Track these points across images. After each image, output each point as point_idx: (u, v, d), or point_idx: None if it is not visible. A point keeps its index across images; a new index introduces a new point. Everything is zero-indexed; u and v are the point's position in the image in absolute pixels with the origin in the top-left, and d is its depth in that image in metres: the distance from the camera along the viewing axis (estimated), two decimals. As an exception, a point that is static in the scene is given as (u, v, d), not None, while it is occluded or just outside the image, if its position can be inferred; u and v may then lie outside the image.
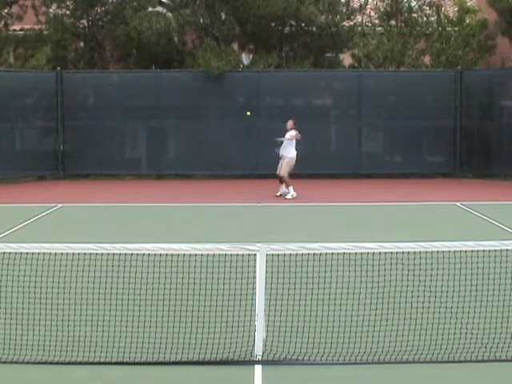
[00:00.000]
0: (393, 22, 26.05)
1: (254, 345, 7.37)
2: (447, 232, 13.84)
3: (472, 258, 8.27)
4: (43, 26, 25.79)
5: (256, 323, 7.43)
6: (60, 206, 18.04)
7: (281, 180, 19.18)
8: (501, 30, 25.61)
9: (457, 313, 8.15)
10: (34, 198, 19.85)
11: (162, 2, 27.21)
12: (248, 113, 21.95)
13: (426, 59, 26.04)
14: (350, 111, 24.64)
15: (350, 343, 7.50)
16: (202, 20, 25.33)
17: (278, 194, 19.23)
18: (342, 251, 7.73)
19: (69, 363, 7.22)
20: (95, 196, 20.59)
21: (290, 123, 19.31)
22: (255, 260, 8.11)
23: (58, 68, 24.29)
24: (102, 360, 7.25)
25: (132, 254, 8.07)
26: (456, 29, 25.94)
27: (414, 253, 8.01)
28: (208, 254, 8.28)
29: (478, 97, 24.14)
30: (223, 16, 25.47)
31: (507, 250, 7.98)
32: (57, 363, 7.22)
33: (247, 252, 7.79)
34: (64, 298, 8.37)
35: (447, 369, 7.14)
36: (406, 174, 24.11)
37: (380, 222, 15.93)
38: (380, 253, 8.10)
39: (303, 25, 25.47)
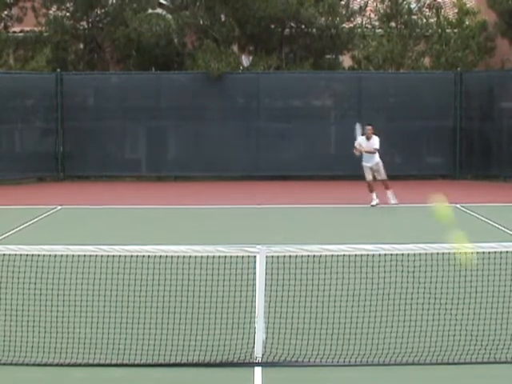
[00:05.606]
0: (393, 24, 26.06)
1: (253, 346, 7.37)
2: (446, 234, 13.81)
3: (471, 259, 8.26)
4: (43, 28, 25.80)
5: (256, 325, 7.43)
6: (60, 207, 18.03)
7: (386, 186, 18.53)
8: (500, 31, 25.62)
9: (456, 314, 8.15)
10: (33, 200, 19.84)
11: (162, 3, 27.24)
12: None
13: (426, 61, 26.06)
14: (350, 113, 24.62)
15: (349, 345, 7.50)
16: (201, 21, 25.36)
17: (394, 201, 18.32)
18: (342, 253, 7.74)
19: (68, 365, 7.22)
20: (95, 197, 20.59)
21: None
22: (255, 262, 8.11)
23: (58, 70, 24.31)
24: (102, 362, 7.25)
25: (132, 256, 8.08)
26: (456, 30, 25.97)
27: (414, 254, 8.01)
28: (208, 256, 8.28)
29: (478, 98, 24.15)
30: (223, 17, 25.50)
31: (507, 251, 7.97)
32: (56, 365, 7.22)
33: (247, 254, 7.79)
34: (64, 300, 8.35)
35: (447, 370, 7.15)
36: (405, 176, 24.09)
37: (379, 224, 15.93)
38: (380, 254, 8.10)
39: (303, 26, 25.48)
